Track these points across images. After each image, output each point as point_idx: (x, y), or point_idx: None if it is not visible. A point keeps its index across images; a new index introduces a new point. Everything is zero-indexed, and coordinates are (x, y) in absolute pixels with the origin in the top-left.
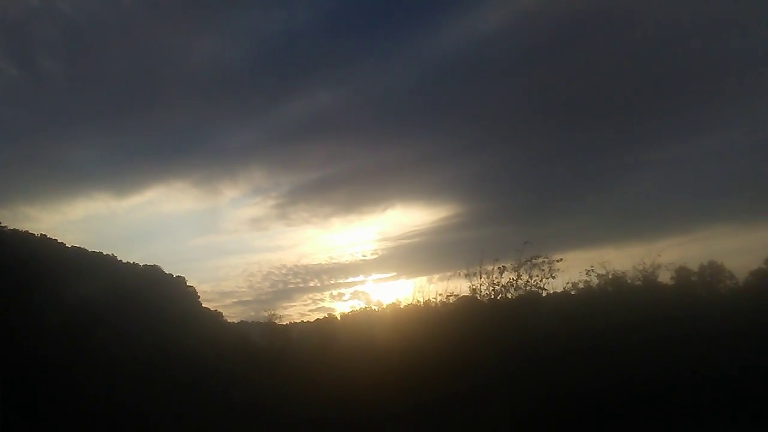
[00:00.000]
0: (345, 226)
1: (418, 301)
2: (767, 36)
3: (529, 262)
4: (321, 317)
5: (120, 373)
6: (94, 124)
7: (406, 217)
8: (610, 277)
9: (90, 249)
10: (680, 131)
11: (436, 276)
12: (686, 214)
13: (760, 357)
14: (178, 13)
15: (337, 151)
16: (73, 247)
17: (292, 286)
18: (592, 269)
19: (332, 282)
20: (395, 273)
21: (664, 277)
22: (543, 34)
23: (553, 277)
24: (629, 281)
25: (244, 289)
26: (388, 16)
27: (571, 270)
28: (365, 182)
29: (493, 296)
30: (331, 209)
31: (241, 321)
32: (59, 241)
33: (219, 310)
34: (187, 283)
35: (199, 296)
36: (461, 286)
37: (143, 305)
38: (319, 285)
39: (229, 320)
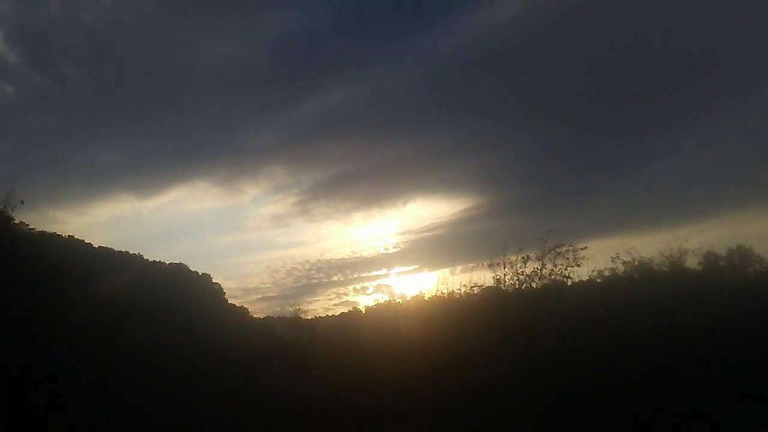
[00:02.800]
0: (366, 221)
1: (442, 293)
2: None
3: (553, 251)
4: (345, 311)
5: (151, 369)
6: (117, 128)
7: (427, 210)
8: (637, 263)
9: (116, 249)
10: (702, 115)
11: (459, 267)
12: (711, 199)
13: None
14: (196, 16)
15: (356, 147)
16: (100, 247)
17: (315, 281)
18: (618, 256)
19: (355, 276)
20: (418, 265)
21: (692, 263)
22: (558, 23)
23: (578, 266)
24: (656, 267)
25: (268, 285)
26: (402, 13)
27: (596, 258)
28: (385, 177)
29: (517, 286)
30: (351, 204)
31: (267, 316)
32: (86, 241)
33: (244, 306)
34: (213, 281)
35: (224, 293)
36: (485, 277)
37: (170, 303)
38: (342, 279)
39: (254, 316)
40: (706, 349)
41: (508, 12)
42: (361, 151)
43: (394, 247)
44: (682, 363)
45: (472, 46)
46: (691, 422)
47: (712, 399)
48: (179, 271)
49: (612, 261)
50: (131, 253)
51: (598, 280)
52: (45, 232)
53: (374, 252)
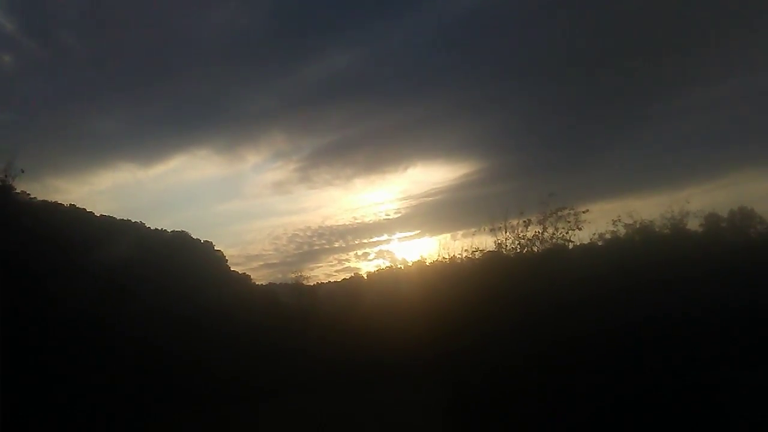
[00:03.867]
0: (367, 187)
1: (444, 258)
2: None
3: (554, 215)
4: (347, 277)
5: (157, 333)
6: (115, 96)
7: (428, 175)
8: (638, 226)
9: (118, 218)
10: (702, 76)
11: (461, 232)
12: (712, 161)
13: None
14: None
15: (356, 113)
16: (101, 216)
17: (317, 247)
18: (619, 219)
19: (357, 242)
20: (419, 231)
21: (693, 225)
22: None
23: (580, 229)
24: (657, 230)
25: (270, 252)
26: None
27: (597, 221)
28: (385, 142)
29: (519, 250)
30: (352, 170)
31: (270, 283)
32: (88, 210)
33: (247, 273)
34: (215, 248)
35: (227, 260)
36: (486, 242)
37: (173, 270)
38: (344, 245)
39: (257, 283)
40: (707, 308)
41: None
42: (361, 117)
43: (395, 213)
44: (681, 322)
45: (472, 7)
46: (689, 380)
47: (713, 357)
48: (181, 238)
49: (613, 224)
50: (133, 221)
51: (600, 243)
52: (46, 201)
53: (375, 218)
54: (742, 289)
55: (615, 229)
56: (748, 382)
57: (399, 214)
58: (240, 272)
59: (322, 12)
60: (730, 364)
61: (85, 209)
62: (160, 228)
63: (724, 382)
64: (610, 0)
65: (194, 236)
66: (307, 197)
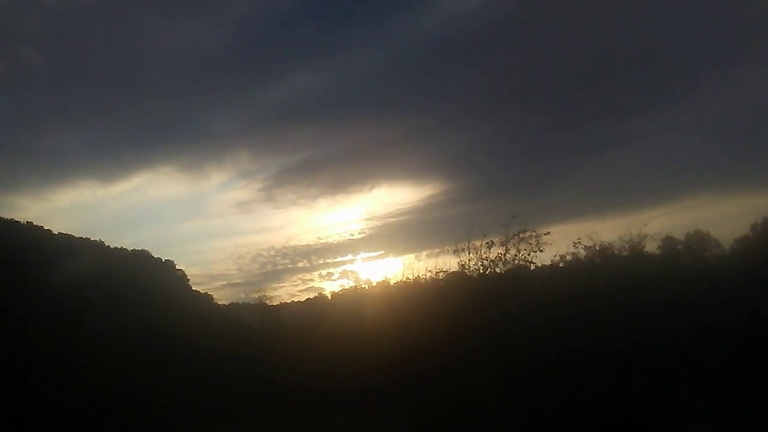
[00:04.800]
0: (332, 207)
1: (408, 279)
2: (747, 3)
3: (516, 237)
4: (311, 297)
5: (114, 355)
6: (76, 112)
7: (393, 196)
8: (597, 248)
9: (77, 236)
10: (661, 102)
11: (425, 253)
12: (670, 185)
13: (750, 322)
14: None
15: (322, 133)
16: (60, 233)
17: (281, 267)
18: (579, 241)
19: (321, 262)
20: (383, 251)
21: (651, 247)
22: (522, 9)
23: (541, 251)
24: (616, 252)
25: (233, 272)
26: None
27: (558, 243)
28: (350, 163)
29: (482, 271)
30: (317, 190)
31: (232, 303)
32: (45, 228)
33: (209, 293)
34: (177, 267)
35: (188, 279)
36: (450, 263)
37: (133, 289)
38: (308, 265)
39: (219, 303)
40: (663, 330)
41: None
42: (326, 138)
43: (359, 233)
44: (640, 342)
45: (437, 33)
46: (649, 400)
47: (670, 379)
48: (142, 257)
49: (574, 246)
50: (92, 239)
51: (561, 265)
52: (2, 218)
53: (340, 238)
54: (698, 310)
55: (576, 251)
56: (707, 401)
57: (363, 234)
58: (202, 291)
59: (287, 35)
60: (689, 383)
61: (42, 227)
62: (120, 246)
63: (684, 400)
64: (571, 26)
65: (156, 255)
66: (271, 217)
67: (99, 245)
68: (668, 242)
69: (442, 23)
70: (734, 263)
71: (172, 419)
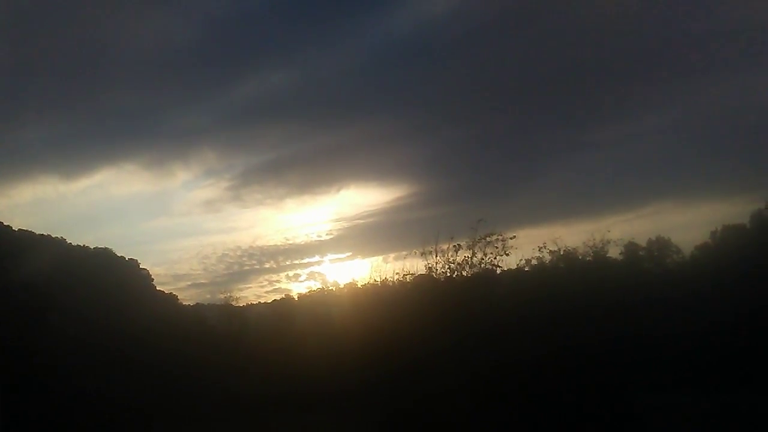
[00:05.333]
0: (299, 207)
1: (375, 281)
2: (707, 15)
3: (483, 240)
4: (278, 298)
5: (75, 356)
6: (37, 105)
7: (361, 198)
8: (562, 253)
9: (38, 232)
10: (624, 110)
11: (392, 255)
12: (633, 191)
13: (709, 328)
14: None
15: (290, 133)
16: (20, 230)
17: (247, 267)
18: (545, 246)
19: (288, 263)
20: (351, 253)
21: (614, 253)
22: (490, 14)
23: (507, 255)
24: (580, 257)
25: (198, 272)
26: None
27: (524, 247)
28: (319, 163)
29: (448, 274)
30: (285, 190)
31: (197, 303)
32: (5, 224)
33: (174, 293)
34: (140, 266)
35: (152, 279)
36: (417, 265)
37: (95, 288)
38: (275, 266)
39: (184, 303)
40: (625, 334)
41: (444, 3)
42: (294, 138)
43: (327, 235)
44: (604, 345)
45: (408, 36)
46: (612, 400)
47: (630, 383)
48: (105, 255)
49: (539, 250)
50: (54, 236)
51: (526, 269)
52: None
53: (307, 239)
54: (659, 314)
55: (541, 256)
56: (670, 405)
57: (331, 236)
58: (167, 292)
59: (257, 33)
60: (651, 387)
61: (2, 222)
62: (82, 244)
63: (647, 405)
64: (539, 33)
65: (119, 253)
66: (238, 216)
67: (60, 243)
68: (630, 248)
69: (413, 26)
70: (694, 269)
71: (135, 421)
